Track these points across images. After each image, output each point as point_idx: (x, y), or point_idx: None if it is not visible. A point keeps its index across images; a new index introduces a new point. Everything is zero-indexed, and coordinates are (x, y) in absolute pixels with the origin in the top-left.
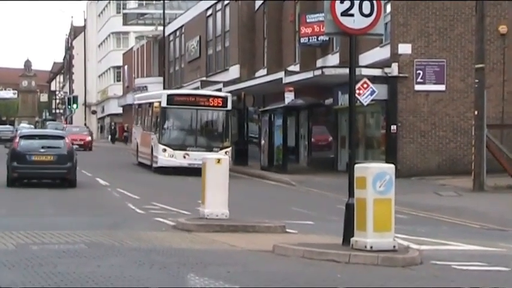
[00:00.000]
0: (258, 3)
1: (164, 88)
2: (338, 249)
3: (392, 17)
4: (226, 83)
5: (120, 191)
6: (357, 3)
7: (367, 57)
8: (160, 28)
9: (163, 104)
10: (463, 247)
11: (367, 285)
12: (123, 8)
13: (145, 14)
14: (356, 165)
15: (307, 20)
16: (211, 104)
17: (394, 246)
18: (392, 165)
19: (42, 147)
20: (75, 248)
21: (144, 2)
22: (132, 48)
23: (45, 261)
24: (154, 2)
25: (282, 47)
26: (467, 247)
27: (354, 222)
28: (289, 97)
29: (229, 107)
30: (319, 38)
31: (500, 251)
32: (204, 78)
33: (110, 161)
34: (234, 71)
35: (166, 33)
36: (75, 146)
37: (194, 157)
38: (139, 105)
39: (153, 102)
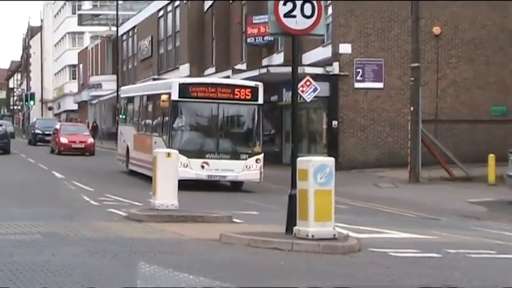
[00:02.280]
0: (206, 5)
1: (118, 86)
2: (281, 238)
3: (334, 19)
4: None
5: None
6: (299, 5)
7: (310, 57)
8: (114, 28)
9: (174, 96)
10: (399, 235)
11: (308, 272)
12: (79, 9)
13: (100, 15)
14: (298, 159)
15: (254, 21)
16: (237, 97)
17: (334, 235)
18: (332, 158)
19: None
20: (30, 238)
21: (99, 3)
22: (87, 47)
23: (0, 251)
24: (108, 3)
25: (230, 46)
26: (403, 235)
27: (296, 212)
28: None
29: (261, 100)
30: (264, 38)
31: (433, 239)
32: (156, 76)
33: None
34: (184, 69)
35: (120, 33)
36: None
37: (216, 167)
38: (131, 98)
39: (156, 94)
